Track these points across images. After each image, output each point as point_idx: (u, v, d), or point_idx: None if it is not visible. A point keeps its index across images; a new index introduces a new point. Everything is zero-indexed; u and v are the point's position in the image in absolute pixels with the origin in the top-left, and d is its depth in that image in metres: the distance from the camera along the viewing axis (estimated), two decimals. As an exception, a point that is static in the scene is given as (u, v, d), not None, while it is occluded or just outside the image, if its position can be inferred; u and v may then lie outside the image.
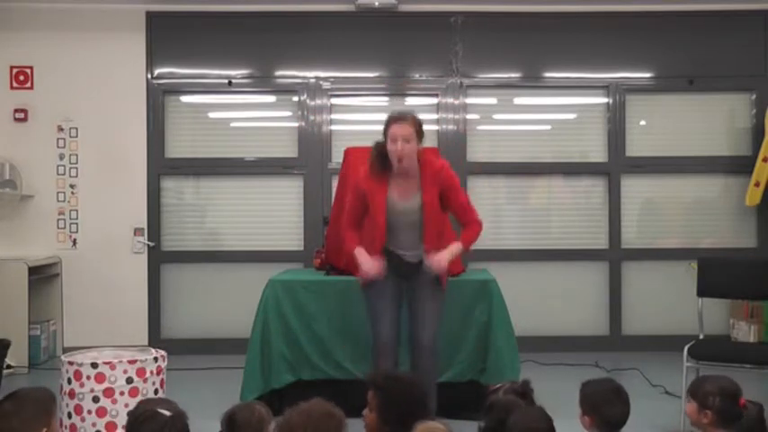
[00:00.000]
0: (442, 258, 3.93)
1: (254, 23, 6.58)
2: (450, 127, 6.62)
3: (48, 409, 2.60)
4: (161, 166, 6.58)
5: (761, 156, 6.33)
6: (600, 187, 6.67)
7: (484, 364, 4.48)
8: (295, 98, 6.65)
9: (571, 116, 6.79)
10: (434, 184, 3.96)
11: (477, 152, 6.63)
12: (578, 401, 2.91)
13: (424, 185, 3.96)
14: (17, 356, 5.68)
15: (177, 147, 6.64)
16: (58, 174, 6.53)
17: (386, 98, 6.69)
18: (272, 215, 6.66)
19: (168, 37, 6.58)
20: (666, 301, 6.55)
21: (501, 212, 6.73)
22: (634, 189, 6.67)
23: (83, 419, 3.61)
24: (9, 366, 5.56)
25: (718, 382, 2.89)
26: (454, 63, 6.61)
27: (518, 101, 6.77)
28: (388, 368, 3.80)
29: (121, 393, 3.62)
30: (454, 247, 3.99)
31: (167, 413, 2.45)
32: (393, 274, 4.03)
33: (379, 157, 3.98)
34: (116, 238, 6.52)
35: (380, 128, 4.02)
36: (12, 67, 6.50)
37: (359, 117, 6.72)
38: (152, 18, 6.55)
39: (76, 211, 6.53)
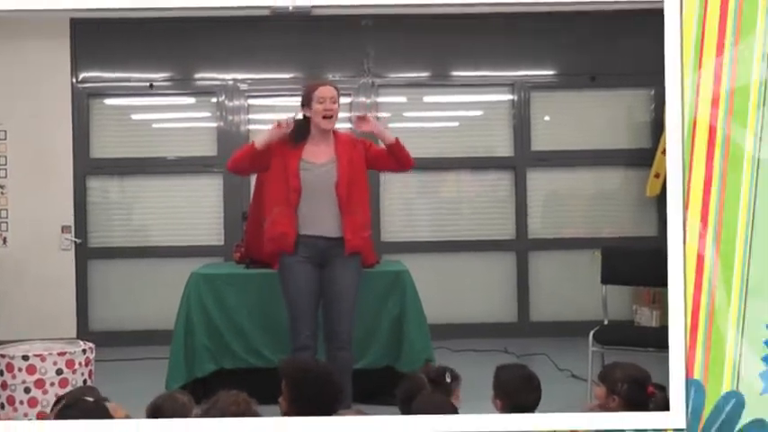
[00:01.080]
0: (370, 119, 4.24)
1: (174, 29, 6.72)
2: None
3: None
4: (86, 167, 6.78)
5: (660, 148, 6.48)
6: (506, 180, 6.87)
7: (398, 353, 4.63)
8: (214, 99, 6.87)
9: (478, 113, 7.00)
10: (350, 152, 4.12)
11: (389, 149, 6.86)
12: (491, 385, 3.03)
13: (338, 151, 4.11)
14: (-54, 350, 5.87)
15: (102, 147, 6.83)
16: (-13, 175, 6.72)
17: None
18: (194, 211, 6.87)
19: (92, 42, 6.75)
20: (572, 288, 6.71)
21: (413, 206, 6.94)
22: (539, 182, 6.86)
23: (15, 410, 3.75)
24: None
25: (627, 370, 2.97)
26: (366, 64, 6.83)
27: (427, 99, 6.99)
28: (301, 359, 3.83)
29: (52, 384, 3.76)
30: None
31: (91, 399, 2.58)
32: (311, 264, 4.08)
33: (295, 131, 4.12)
34: (45, 236, 6.69)
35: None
36: (-59, 73, 6.67)
37: (275, 117, 6.67)
38: (76, 24, 6.71)
39: (6, 210, 6.71)
